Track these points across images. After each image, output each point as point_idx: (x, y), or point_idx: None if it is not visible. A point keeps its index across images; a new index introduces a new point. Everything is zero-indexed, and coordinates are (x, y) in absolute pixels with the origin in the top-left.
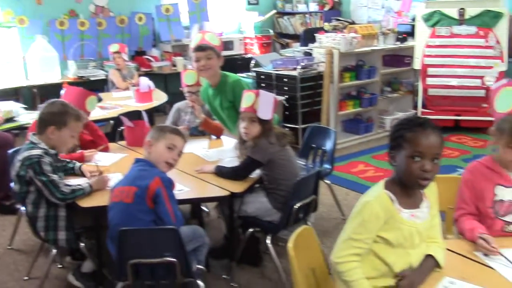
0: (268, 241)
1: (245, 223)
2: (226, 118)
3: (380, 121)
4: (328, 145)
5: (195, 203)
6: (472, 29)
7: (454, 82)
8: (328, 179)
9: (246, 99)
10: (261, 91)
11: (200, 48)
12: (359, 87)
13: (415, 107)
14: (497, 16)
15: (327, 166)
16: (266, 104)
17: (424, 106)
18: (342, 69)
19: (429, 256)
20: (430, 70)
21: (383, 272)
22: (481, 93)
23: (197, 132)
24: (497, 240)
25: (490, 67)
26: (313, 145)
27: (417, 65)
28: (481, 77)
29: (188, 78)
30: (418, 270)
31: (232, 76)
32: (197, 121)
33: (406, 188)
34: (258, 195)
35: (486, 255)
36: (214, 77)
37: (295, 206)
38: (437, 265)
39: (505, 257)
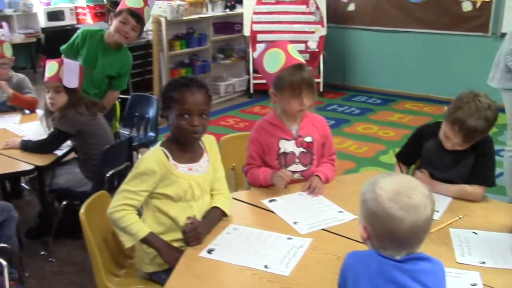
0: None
1: (59, 196)
2: (92, 77)
3: (215, 88)
4: (151, 112)
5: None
6: None
7: None
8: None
9: (49, 69)
10: (65, 60)
11: (137, 16)
12: (191, 55)
13: (248, 73)
14: None
15: (151, 134)
16: (71, 72)
17: (256, 71)
18: (172, 37)
19: (215, 208)
20: (259, 36)
21: (169, 226)
22: (306, 56)
23: (6, 107)
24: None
25: (312, 32)
26: (137, 114)
27: (246, 31)
28: (305, 42)
29: None
30: (204, 220)
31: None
32: (4, 95)
33: (182, 145)
34: (72, 167)
35: (271, 201)
36: (121, 44)
37: (107, 174)
38: (224, 214)
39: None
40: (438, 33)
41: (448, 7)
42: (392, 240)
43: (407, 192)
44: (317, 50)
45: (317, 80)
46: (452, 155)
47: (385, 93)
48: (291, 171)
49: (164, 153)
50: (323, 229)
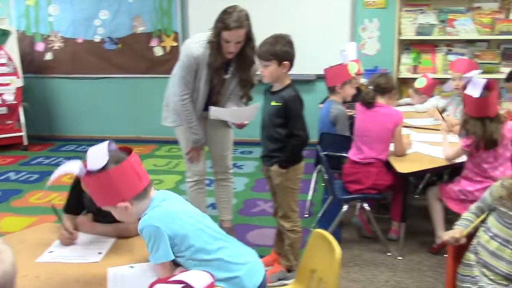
0: None
1: None
2: None
3: None
4: None
5: None
6: None
7: None
8: None
9: None
10: None
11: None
12: None
13: None
14: (5, 34)
15: None
16: None
17: None
18: None
19: None
20: None
21: None
22: (3, 110)
23: None
24: None
25: (8, 84)
26: None
27: None
28: (0, 95)
29: None
30: None
31: None
32: None
33: None
34: None
35: None
36: None
37: None
38: None
39: None
40: (137, 76)
41: (142, 52)
42: None
43: None
44: (15, 102)
45: (19, 134)
46: None
47: (95, 139)
48: None
49: None
50: None
